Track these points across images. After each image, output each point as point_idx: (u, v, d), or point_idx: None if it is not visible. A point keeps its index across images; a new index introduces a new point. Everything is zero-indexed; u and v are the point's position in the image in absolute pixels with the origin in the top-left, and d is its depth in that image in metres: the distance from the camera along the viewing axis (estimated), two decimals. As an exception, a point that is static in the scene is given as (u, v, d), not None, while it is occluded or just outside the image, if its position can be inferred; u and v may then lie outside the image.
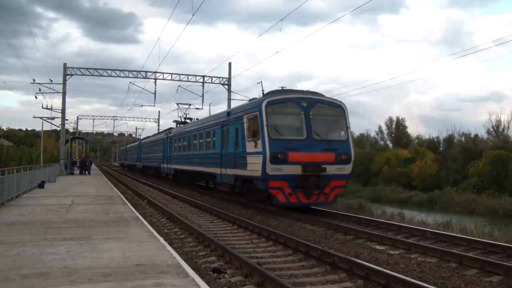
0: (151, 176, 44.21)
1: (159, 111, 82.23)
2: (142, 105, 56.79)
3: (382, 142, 79.44)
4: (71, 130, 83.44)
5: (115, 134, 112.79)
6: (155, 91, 45.38)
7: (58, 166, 41.83)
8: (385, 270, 8.39)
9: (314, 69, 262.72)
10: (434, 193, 45.52)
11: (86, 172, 44.08)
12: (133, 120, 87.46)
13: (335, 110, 18.09)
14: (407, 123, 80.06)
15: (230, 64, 45.67)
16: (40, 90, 41.90)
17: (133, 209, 15.01)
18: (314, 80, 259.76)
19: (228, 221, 16.09)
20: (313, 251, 10.33)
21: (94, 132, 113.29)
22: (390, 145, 77.01)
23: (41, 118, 43.75)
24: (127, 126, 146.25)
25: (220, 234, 13.55)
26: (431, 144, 65.81)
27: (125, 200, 18.07)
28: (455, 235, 13.23)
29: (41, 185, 23.77)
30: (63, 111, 43.47)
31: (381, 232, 13.92)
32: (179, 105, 42.10)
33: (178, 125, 38.87)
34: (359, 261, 9.12)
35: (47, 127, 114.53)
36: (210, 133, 23.72)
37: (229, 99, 45.53)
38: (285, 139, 16.76)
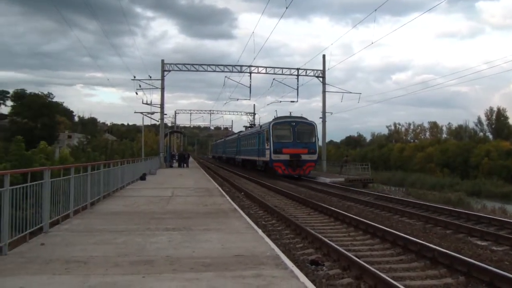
0: (246, 168, 48.29)
1: (254, 105, 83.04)
2: (237, 99, 57.77)
3: (481, 134, 75.30)
4: (170, 124, 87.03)
5: (212, 127, 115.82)
6: (250, 84, 46.05)
7: (158, 159, 43.43)
8: (489, 267, 7.90)
9: (409, 60, 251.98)
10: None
11: (185, 165, 45.42)
12: (229, 114, 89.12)
13: (309, 127, 35.58)
14: (508, 114, 75.14)
15: (324, 56, 45.41)
16: (140, 86, 43.46)
17: (231, 201, 15.24)
18: (409, 71, 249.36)
19: (324, 213, 16.00)
20: (412, 245, 9.99)
21: (191, 126, 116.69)
22: (490, 136, 72.66)
23: (141, 113, 45.53)
24: (223, 119, 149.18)
25: (317, 226, 13.51)
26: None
27: (222, 192, 18.40)
28: None
29: (142, 177, 24.65)
30: (161, 106, 45.36)
31: (483, 227, 13.27)
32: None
33: (246, 129, 56.09)
34: (461, 256, 8.68)
35: (147, 121, 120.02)
36: (254, 137, 41.40)
37: (324, 92, 45.15)
38: (281, 142, 34.17)
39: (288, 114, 38.79)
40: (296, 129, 34.65)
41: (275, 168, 33.95)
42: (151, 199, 15.13)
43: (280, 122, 35.69)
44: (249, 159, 44.71)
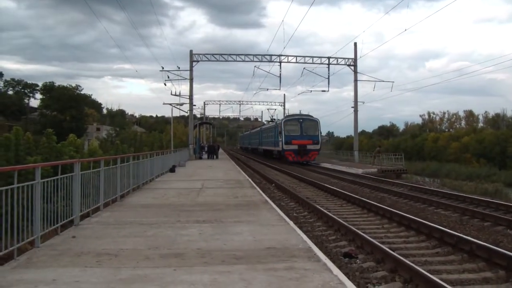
0: (266, 157, 54.95)
1: (284, 95, 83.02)
2: (267, 89, 57.94)
3: (521, 122, 73.16)
4: (199, 116, 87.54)
5: (241, 118, 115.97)
6: (280, 74, 46.00)
7: (187, 151, 43.81)
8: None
9: (444, 46, 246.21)
10: None
11: (214, 156, 45.66)
12: (259, 104, 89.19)
13: (313, 122, 44.08)
14: (550, 101, 72.93)
15: (355, 44, 44.86)
16: (168, 77, 43.74)
17: (261, 192, 15.25)
18: (444, 57, 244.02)
19: (357, 205, 15.90)
20: (448, 237, 9.79)
21: (221, 117, 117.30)
22: (530, 125, 70.57)
23: (170, 104, 45.90)
24: (252, 110, 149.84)
25: (350, 218, 13.43)
26: None
27: (253, 183, 18.44)
28: None
29: (172, 170, 24.83)
30: (190, 97, 45.62)
31: (524, 219, 12.85)
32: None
33: (268, 123, 65.01)
34: (500, 249, 8.43)
35: (176, 113, 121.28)
36: (272, 130, 50.72)
37: (356, 81, 44.75)
38: (291, 135, 42.48)
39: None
40: (303, 125, 43.93)
41: (286, 156, 43.36)
42: (181, 191, 15.22)
43: (290, 119, 45.87)
44: (268, 149, 54.19)
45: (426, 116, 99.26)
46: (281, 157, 44.90)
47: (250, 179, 20.61)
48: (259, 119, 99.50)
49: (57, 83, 72.70)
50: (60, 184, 8.15)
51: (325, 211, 13.73)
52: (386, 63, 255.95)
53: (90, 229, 8.65)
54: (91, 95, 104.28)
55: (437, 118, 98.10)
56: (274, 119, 62.97)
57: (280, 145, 44.20)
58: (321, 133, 45.79)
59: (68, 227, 8.71)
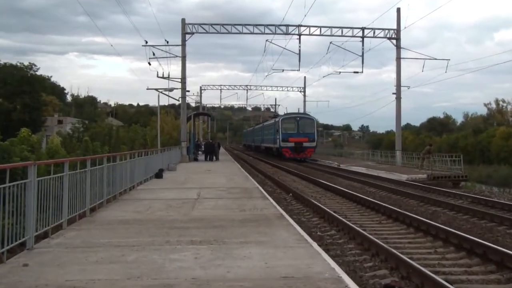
0: (268, 155, 68.98)
1: (304, 77, 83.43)
2: (283, 70, 58.04)
3: None
4: (194, 105, 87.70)
5: (249, 108, 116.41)
6: (299, 50, 45.96)
7: (179, 150, 43.97)
8: None
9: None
10: None
11: (214, 157, 45.75)
12: (272, 90, 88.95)
13: (309, 121, 62.09)
14: None
15: (398, 10, 44.67)
16: (154, 54, 43.75)
17: (275, 204, 15.31)
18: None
19: (401, 221, 15.90)
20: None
21: (222, 106, 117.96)
22: None
23: (156, 90, 45.57)
24: (263, 97, 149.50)
25: (392, 239, 13.44)
26: None
27: (264, 193, 18.51)
28: None
29: (159, 175, 24.96)
30: (183, 80, 45.61)
31: None
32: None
33: (271, 118, 77.22)
34: None
35: (164, 101, 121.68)
36: (271, 128, 65.85)
37: (399, 59, 44.66)
38: (288, 133, 58.87)
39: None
40: (299, 123, 59.65)
41: (283, 153, 58.30)
42: (171, 203, 15.30)
43: (287, 117, 62.52)
44: (268, 146, 70.21)
45: (493, 105, 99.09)
46: (279, 154, 61.04)
47: (260, 187, 20.74)
48: (272, 109, 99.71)
49: (3, 61, 72.53)
50: (8, 194, 8.10)
51: (358, 229, 13.71)
52: (439, 35, 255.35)
53: (49, 253, 8.65)
54: (51, 77, 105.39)
55: (509, 107, 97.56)
56: (277, 115, 77.65)
57: (277, 142, 60.43)
58: (317, 131, 65.13)
59: (18, 252, 8.71)
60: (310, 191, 25.14)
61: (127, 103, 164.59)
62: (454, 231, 13.17)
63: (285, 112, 72.87)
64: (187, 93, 47.88)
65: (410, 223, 15.33)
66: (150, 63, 44.06)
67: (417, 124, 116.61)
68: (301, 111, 77.30)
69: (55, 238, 9.89)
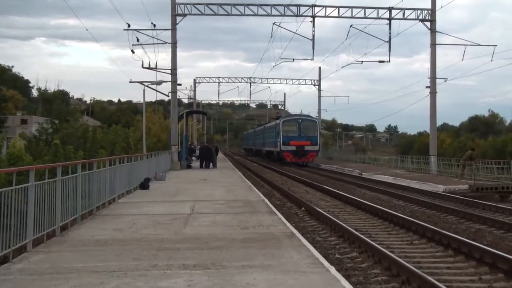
0: (270, 159, 74.82)
1: (319, 68, 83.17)
2: (293, 59, 57.94)
3: None
4: (186, 101, 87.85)
5: (253, 105, 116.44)
6: (313, 36, 45.94)
7: (169, 155, 44.06)
8: None
9: None
10: None
11: (210, 164, 45.90)
12: (280, 83, 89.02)
13: (312, 123, 69.95)
14: None
15: (434, -15, 44.80)
16: (138, 40, 43.58)
17: (284, 220, 15.36)
18: None
19: (437, 242, 15.82)
20: None
21: (221, 102, 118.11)
22: None
23: (141, 83, 45.01)
24: (270, 92, 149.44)
25: (426, 263, 13.41)
26: None
27: (271, 206, 18.63)
28: None
29: (144, 185, 25.04)
30: (173, 71, 45.64)
31: None
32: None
33: (272, 120, 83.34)
34: None
35: (151, 96, 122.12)
36: (272, 130, 73.39)
37: (434, 45, 44.66)
38: (289, 135, 66.31)
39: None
40: (301, 125, 66.35)
41: (284, 157, 64.50)
42: (159, 219, 15.37)
43: (288, 120, 69.63)
44: (269, 150, 76.48)
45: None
46: (280, 158, 67.66)
47: (266, 199, 20.88)
48: (280, 106, 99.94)
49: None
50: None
51: (385, 251, 13.64)
52: (484, 15, 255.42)
53: (8, 282, 8.62)
54: (12, 67, 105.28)
55: None
56: (280, 116, 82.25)
57: (278, 146, 66.80)
58: (320, 133, 72.64)
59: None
60: (327, 205, 25.12)
61: (105, 99, 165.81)
62: (503, 254, 13.03)
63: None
64: (178, 87, 47.96)
65: (448, 244, 15.22)
66: (134, 50, 43.86)
67: (457, 124, 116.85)
68: (316, 108, 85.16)
69: (17, 263, 9.86)
